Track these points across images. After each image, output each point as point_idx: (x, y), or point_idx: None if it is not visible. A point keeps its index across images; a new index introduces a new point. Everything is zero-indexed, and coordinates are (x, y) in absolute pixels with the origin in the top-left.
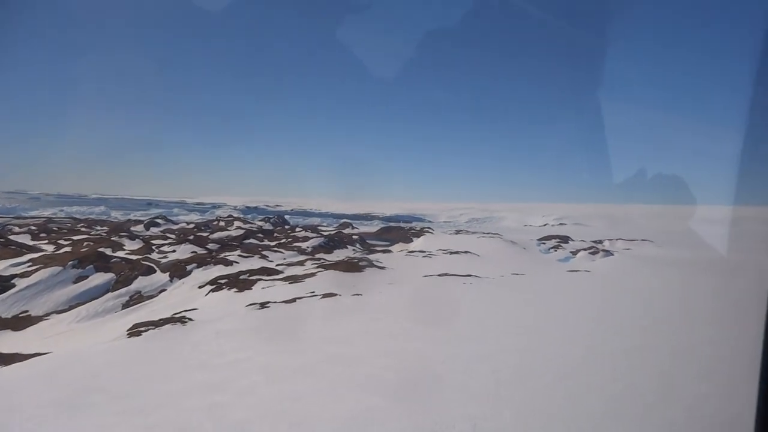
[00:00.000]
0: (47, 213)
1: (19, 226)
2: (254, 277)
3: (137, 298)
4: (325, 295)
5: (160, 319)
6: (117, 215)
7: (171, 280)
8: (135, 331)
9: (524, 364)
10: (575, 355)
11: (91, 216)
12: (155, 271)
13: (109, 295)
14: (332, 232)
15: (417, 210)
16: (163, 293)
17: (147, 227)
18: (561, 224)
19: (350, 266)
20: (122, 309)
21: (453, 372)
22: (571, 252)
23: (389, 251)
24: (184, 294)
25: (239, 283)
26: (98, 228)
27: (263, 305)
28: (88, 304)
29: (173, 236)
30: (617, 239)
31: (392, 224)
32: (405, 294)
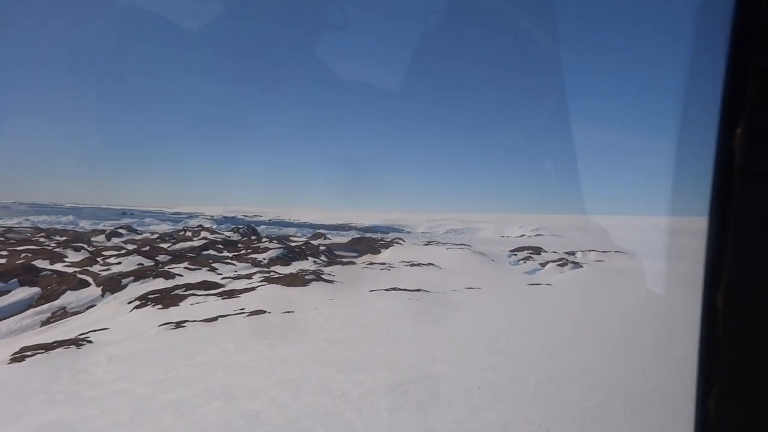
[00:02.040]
0: (11, 222)
1: None
2: (188, 293)
3: (60, 315)
4: (252, 313)
5: (54, 342)
6: (85, 225)
7: (103, 295)
8: (20, 355)
9: (431, 398)
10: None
11: (57, 225)
12: (89, 285)
13: (30, 311)
14: (299, 243)
15: (396, 220)
16: (91, 309)
17: (108, 237)
18: (538, 235)
19: (294, 280)
20: (41, 326)
21: (348, 408)
22: (540, 264)
23: (353, 263)
24: (111, 310)
25: (167, 299)
26: (57, 238)
27: (179, 325)
28: (1, 322)
29: (134, 247)
30: (590, 250)
31: (368, 235)
32: (338, 312)
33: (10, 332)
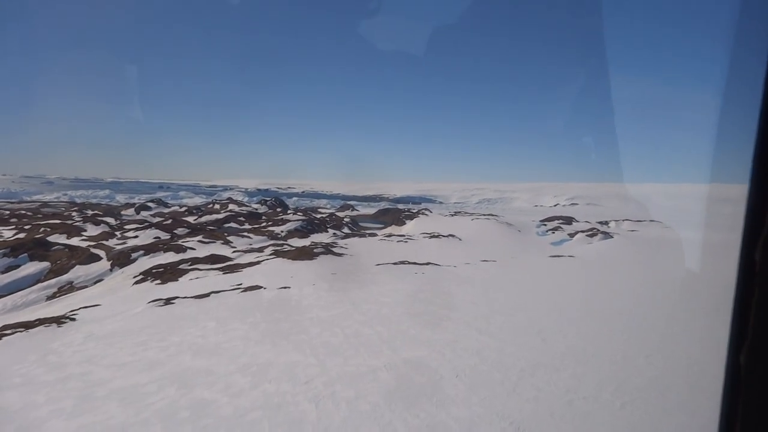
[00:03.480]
0: (51, 197)
1: (10, 211)
2: (192, 267)
3: (67, 289)
4: (247, 288)
5: (36, 320)
6: (121, 198)
7: (111, 270)
8: None
9: (401, 388)
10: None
11: (93, 200)
12: (100, 259)
13: (37, 286)
14: (324, 215)
15: (429, 191)
16: (98, 283)
17: (137, 211)
18: (573, 204)
19: (302, 253)
20: (46, 301)
21: (306, 398)
22: (569, 234)
23: (374, 234)
24: (114, 285)
25: (168, 273)
26: (88, 212)
27: (168, 301)
28: (6, 297)
29: (159, 220)
30: (624, 220)
31: (399, 206)
32: (335, 288)
33: (15, 307)
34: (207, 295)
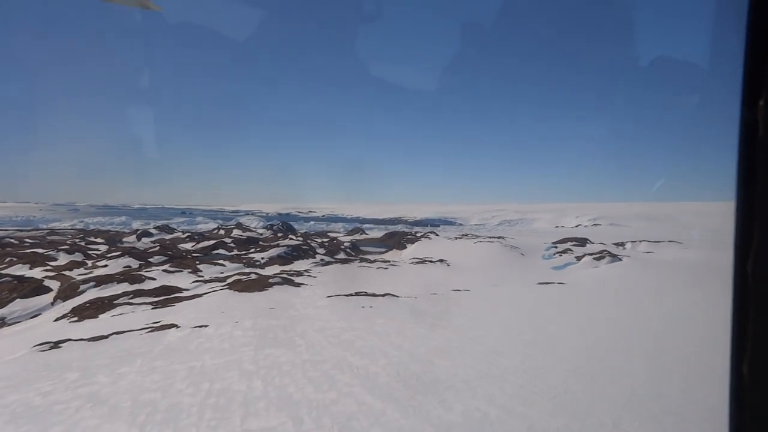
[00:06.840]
0: (66, 224)
1: (16, 239)
2: (126, 301)
3: None
4: (159, 328)
5: None
6: (137, 225)
7: (53, 303)
8: None
9: None
10: None
11: (109, 227)
12: (48, 291)
13: None
14: (325, 240)
15: (450, 213)
16: (34, 319)
17: (139, 237)
18: (595, 224)
19: (255, 284)
20: None
21: None
22: (576, 257)
23: (366, 259)
24: (40, 322)
25: (90, 309)
26: (92, 239)
27: (56, 345)
28: None
29: (149, 246)
30: (642, 241)
31: (416, 229)
32: (259, 326)
33: None
34: (106, 336)
